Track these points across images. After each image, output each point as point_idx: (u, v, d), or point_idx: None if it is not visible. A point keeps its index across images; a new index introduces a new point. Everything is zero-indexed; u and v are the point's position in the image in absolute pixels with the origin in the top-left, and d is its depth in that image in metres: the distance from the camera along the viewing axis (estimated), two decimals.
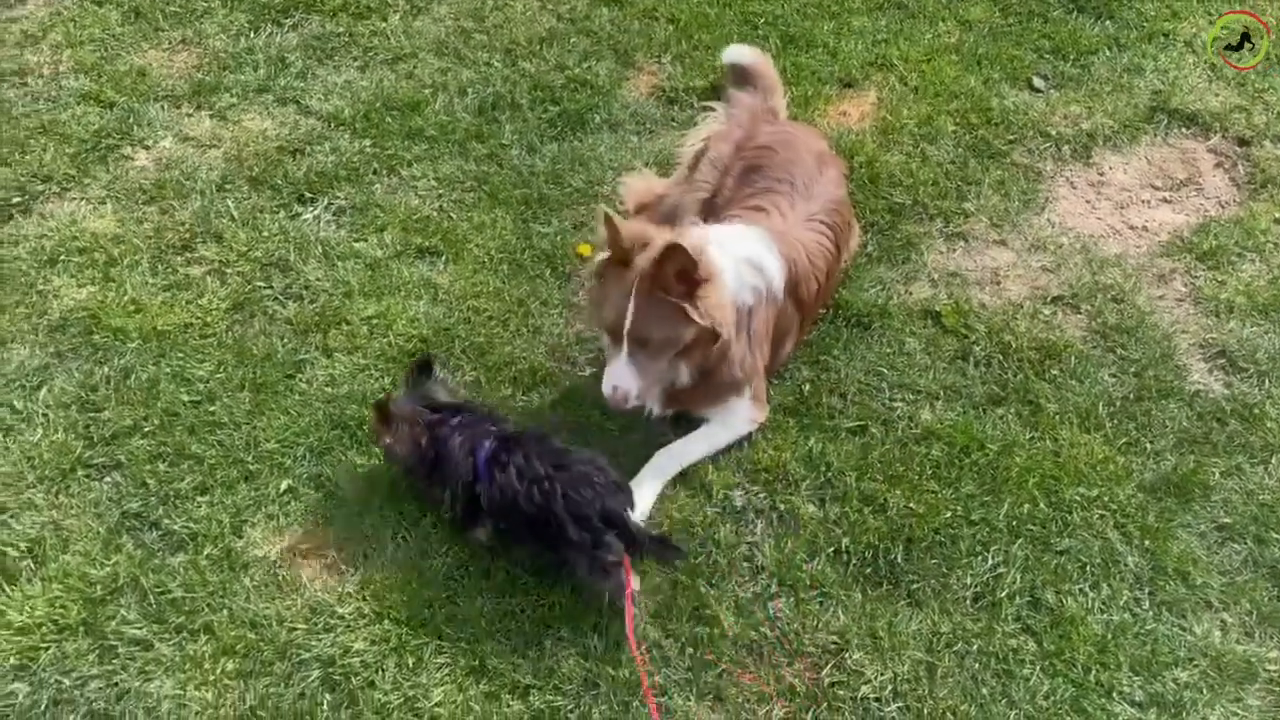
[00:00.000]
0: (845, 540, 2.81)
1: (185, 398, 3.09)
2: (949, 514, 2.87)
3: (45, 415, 3.04)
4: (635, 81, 4.22)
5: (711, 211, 3.39)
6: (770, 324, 2.97)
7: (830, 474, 2.96)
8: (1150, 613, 2.70)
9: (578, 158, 3.88)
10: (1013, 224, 3.66)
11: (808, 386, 3.16)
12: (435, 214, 3.68)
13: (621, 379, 2.69)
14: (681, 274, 2.61)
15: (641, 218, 3.62)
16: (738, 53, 4.01)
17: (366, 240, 3.58)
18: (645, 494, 2.89)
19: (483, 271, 3.50)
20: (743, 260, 2.86)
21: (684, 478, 2.95)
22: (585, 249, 3.56)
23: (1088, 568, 2.77)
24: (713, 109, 3.93)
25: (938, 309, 3.37)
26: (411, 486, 2.84)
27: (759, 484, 2.95)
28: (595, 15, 4.49)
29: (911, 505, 2.88)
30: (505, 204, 3.71)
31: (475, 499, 2.64)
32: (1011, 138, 3.94)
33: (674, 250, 2.57)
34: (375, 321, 3.31)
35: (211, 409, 3.06)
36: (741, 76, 3.94)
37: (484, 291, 3.43)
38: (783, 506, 2.89)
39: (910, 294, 3.43)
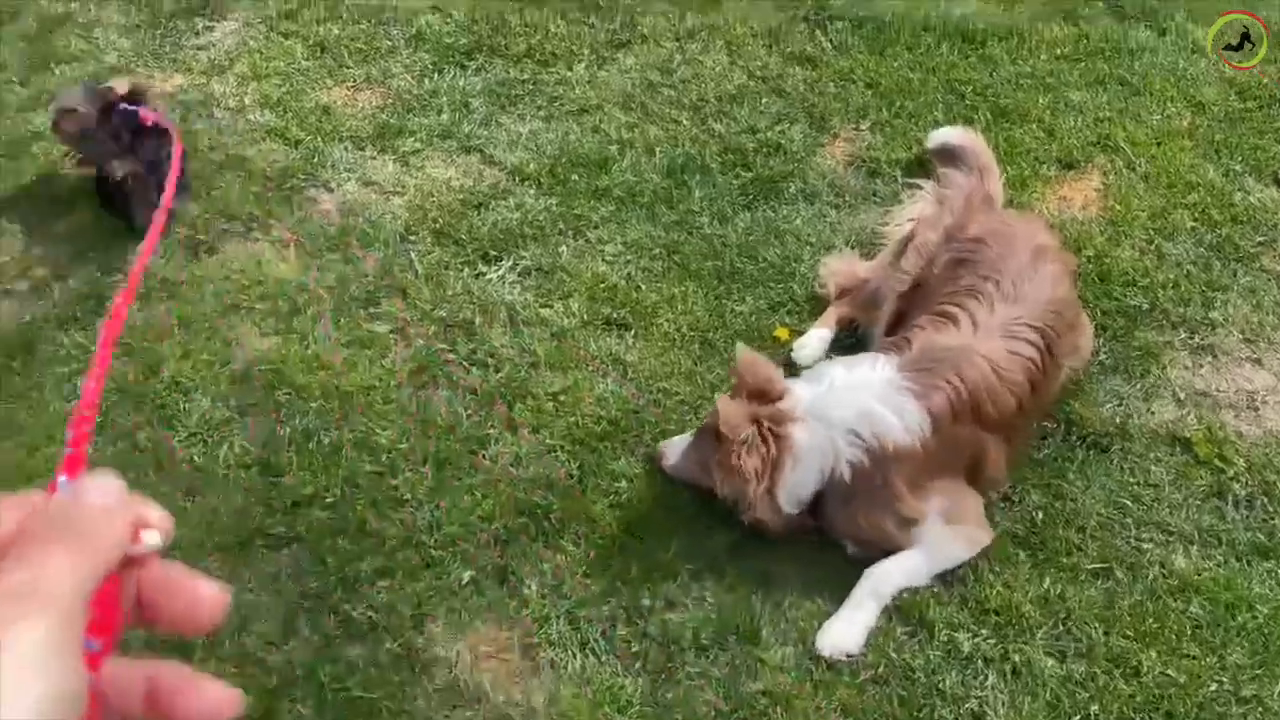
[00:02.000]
0: (1094, 707, 2.46)
1: (367, 468, 2.93)
2: (1214, 686, 2.49)
3: (226, 476, 2.92)
4: (831, 148, 3.96)
5: (913, 303, 3.10)
6: (922, 466, 2.65)
7: (1071, 623, 2.61)
8: None
9: (772, 229, 3.63)
10: (1268, 340, 3.25)
11: (1040, 515, 2.82)
12: (623, 282, 3.47)
13: (672, 445, 2.89)
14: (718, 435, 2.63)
15: (843, 302, 3.37)
16: (946, 134, 3.71)
17: (552, 307, 3.39)
18: (861, 619, 2.61)
19: (673, 349, 3.27)
20: (845, 429, 2.62)
21: (899, 610, 2.65)
22: (783, 333, 3.31)
23: None
24: (920, 187, 3.64)
25: (1187, 435, 2.99)
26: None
27: (987, 627, 2.62)
28: (788, 75, 4.25)
29: (1169, 672, 2.51)
30: (696, 276, 3.48)
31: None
32: (1260, 239, 3.53)
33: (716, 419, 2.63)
34: (562, 398, 3.10)
35: (394, 483, 2.89)
36: (952, 157, 3.63)
37: (675, 372, 3.19)
38: (1016, 657, 2.56)
39: (1152, 414, 3.06)
